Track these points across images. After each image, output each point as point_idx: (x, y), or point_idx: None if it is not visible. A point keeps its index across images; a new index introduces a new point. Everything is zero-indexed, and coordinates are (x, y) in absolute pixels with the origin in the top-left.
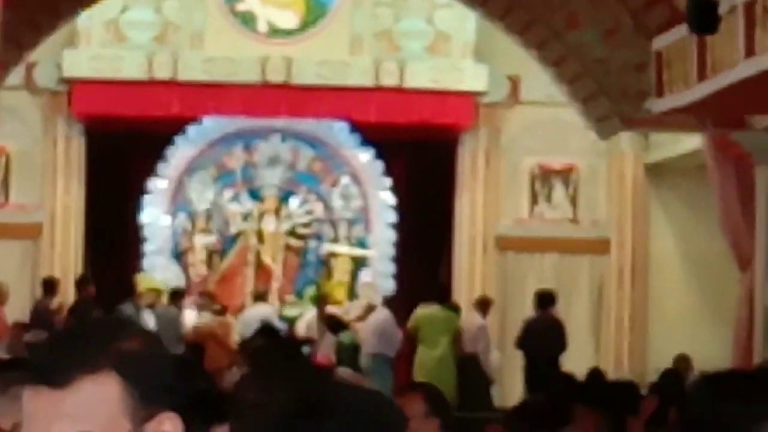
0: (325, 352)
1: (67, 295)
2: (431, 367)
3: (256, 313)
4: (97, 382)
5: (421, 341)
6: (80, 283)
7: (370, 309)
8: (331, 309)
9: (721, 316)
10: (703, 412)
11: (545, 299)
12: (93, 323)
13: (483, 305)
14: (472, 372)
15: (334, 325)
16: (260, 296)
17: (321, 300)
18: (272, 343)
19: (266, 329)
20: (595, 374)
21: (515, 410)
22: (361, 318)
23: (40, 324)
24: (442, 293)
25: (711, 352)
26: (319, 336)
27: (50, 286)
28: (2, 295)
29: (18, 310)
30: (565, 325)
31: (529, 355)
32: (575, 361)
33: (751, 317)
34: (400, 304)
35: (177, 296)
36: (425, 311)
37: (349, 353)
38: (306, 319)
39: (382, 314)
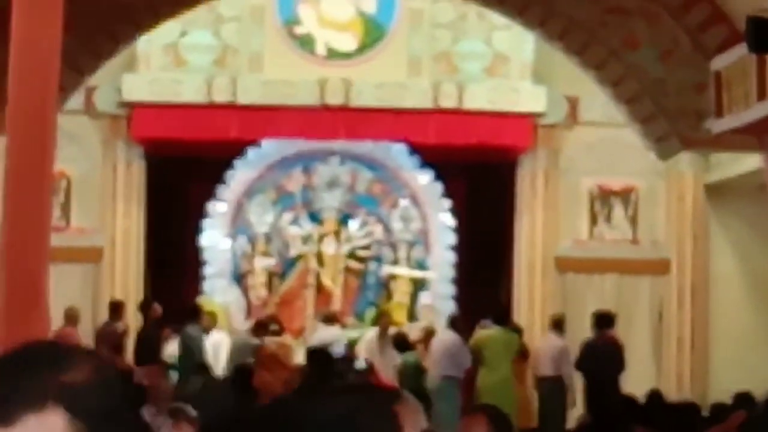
0: (387, 372)
1: (128, 319)
2: (492, 389)
3: (325, 336)
4: (42, 419)
5: (483, 363)
6: (144, 306)
7: (429, 331)
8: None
9: None
10: None
11: (604, 320)
12: (36, 353)
13: (560, 325)
14: (554, 394)
15: (400, 344)
16: (329, 319)
17: (383, 319)
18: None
19: (316, 355)
20: (655, 396)
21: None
22: (422, 340)
23: (106, 347)
24: (502, 315)
25: None
26: (381, 356)
27: (116, 309)
28: (74, 317)
29: (81, 333)
30: (625, 346)
31: (589, 376)
32: (636, 383)
33: None
34: (461, 325)
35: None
36: (487, 333)
37: (412, 374)
38: (366, 340)
39: (450, 336)
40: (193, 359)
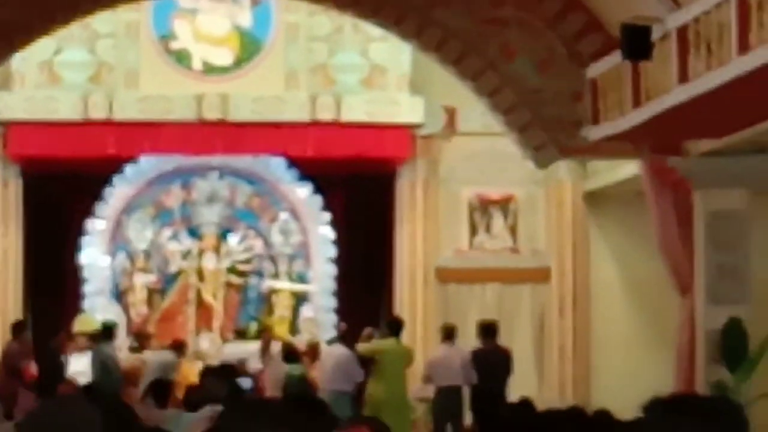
0: (274, 385)
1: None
2: (389, 402)
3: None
4: None
5: (377, 375)
6: (16, 328)
7: (313, 345)
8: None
9: (662, 341)
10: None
11: (489, 330)
12: None
13: (451, 335)
14: (456, 403)
15: (289, 355)
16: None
17: (265, 334)
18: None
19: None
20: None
21: None
22: (306, 353)
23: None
24: (397, 326)
25: (654, 378)
26: (268, 369)
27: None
28: None
29: None
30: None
31: (478, 384)
32: (519, 390)
33: (692, 341)
34: (350, 338)
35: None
36: (380, 343)
37: (296, 386)
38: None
39: (340, 349)
40: (111, 377)
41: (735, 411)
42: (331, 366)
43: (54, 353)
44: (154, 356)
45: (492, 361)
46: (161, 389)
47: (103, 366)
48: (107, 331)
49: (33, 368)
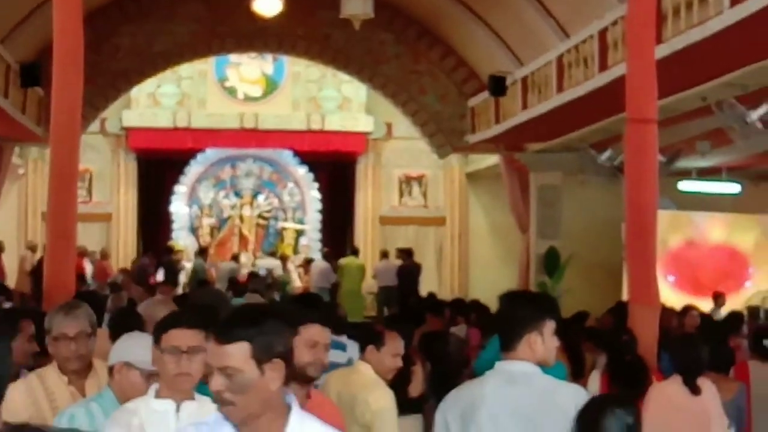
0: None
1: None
2: (350, 293)
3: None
4: None
5: (344, 278)
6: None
7: (307, 260)
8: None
9: (511, 260)
10: (505, 312)
11: (409, 253)
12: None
13: (387, 255)
14: (393, 295)
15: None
16: (272, 254)
17: (282, 254)
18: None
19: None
20: (432, 296)
21: (392, 315)
22: (302, 266)
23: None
24: (355, 250)
25: (507, 281)
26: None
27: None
28: (90, 254)
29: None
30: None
31: (402, 285)
32: (426, 289)
33: (528, 261)
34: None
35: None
36: (346, 260)
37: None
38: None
39: (323, 263)
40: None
41: (552, 299)
42: (316, 272)
43: (172, 264)
44: (224, 264)
45: (410, 271)
46: (234, 284)
47: (195, 271)
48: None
49: (158, 276)
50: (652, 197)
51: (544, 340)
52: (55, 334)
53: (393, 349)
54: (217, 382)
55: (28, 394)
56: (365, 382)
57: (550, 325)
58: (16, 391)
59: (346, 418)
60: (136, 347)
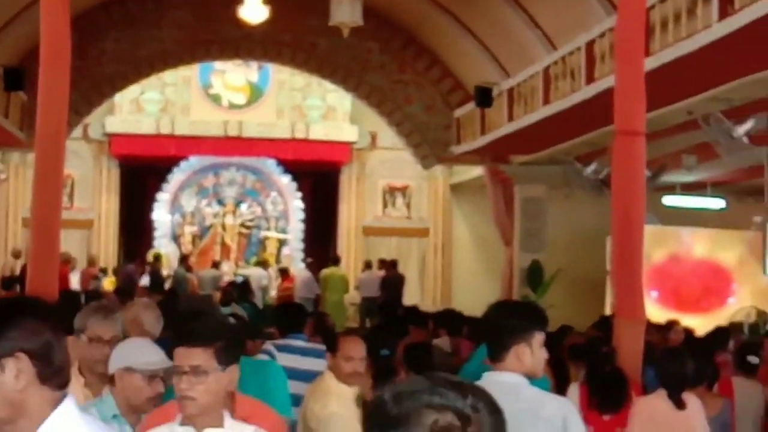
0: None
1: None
2: (334, 304)
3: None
4: None
5: (327, 289)
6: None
7: (282, 270)
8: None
9: (494, 273)
10: (494, 322)
11: (392, 264)
12: None
13: (370, 265)
14: (373, 306)
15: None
16: (259, 263)
17: (264, 263)
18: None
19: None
20: (413, 308)
21: (375, 326)
22: (283, 275)
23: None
24: (337, 260)
25: (489, 294)
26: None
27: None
28: (72, 261)
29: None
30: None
31: (386, 296)
32: (410, 300)
33: (511, 274)
34: (313, 267)
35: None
36: (329, 271)
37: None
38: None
39: (306, 273)
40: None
41: (541, 311)
42: (300, 282)
43: (158, 272)
44: (206, 272)
45: (393, 283)
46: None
47: (176, 279)
48: (182, 260)
49: (144, 281)
50: (640, 210)
51: (532, 352)
52: (89, 335)
53: (345, 352)
54: None
55: None
56: (320, 390)
57: (539, 337)
58: None
59: (304, 426)
60: (134, 351)
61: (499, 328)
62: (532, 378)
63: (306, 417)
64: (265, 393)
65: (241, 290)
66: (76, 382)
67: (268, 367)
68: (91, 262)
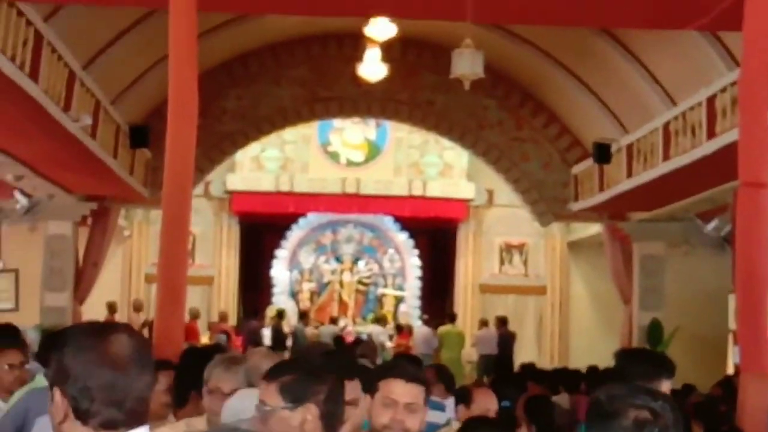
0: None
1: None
2: (450, 361)
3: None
4: None
5: (444, 346)
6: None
7: (398, 326)
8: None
9: (612, 331)
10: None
11: (504, 321)
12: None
13: (487, 323)
14: (491, 364)
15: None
16: (377, 320)
17: (382, 320)
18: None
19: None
20: (529, 366)
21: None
22: (402, 332)
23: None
24: (454, 318)
25: (607, 355)
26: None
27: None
28: (197, 314)
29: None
30: (517, 336)
31: (500, 353)
32: (527, 358)
33: (630, 332)
34: (431, 324)
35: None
36: (446, 328)
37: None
38: (368, 331)
39: (425, 329)
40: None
41: (669, 360)
42: (419, 339)
43: (280, 328)
44: (326, 328)
45: (506, 340)
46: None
47: (296, 335)
48: (302, 315)
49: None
50: (765, 262)
51: None
52: (210, 386)
53: (483, 404)
54: None
55: None
56: None
57: (666, 385)
58: None
59: None
60: (244, 407)
61: (625, 374)
62: None
63: None
64: None
65: (366, 347)
66: None
67: None
68: (222, 317)
